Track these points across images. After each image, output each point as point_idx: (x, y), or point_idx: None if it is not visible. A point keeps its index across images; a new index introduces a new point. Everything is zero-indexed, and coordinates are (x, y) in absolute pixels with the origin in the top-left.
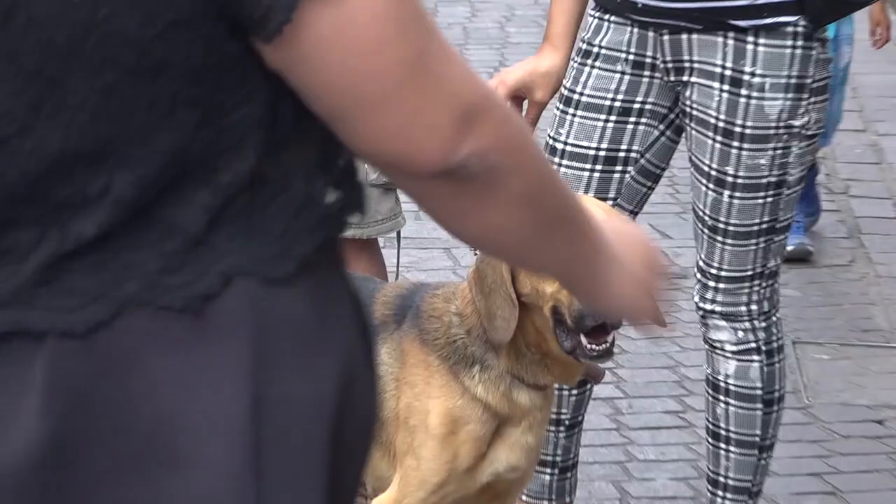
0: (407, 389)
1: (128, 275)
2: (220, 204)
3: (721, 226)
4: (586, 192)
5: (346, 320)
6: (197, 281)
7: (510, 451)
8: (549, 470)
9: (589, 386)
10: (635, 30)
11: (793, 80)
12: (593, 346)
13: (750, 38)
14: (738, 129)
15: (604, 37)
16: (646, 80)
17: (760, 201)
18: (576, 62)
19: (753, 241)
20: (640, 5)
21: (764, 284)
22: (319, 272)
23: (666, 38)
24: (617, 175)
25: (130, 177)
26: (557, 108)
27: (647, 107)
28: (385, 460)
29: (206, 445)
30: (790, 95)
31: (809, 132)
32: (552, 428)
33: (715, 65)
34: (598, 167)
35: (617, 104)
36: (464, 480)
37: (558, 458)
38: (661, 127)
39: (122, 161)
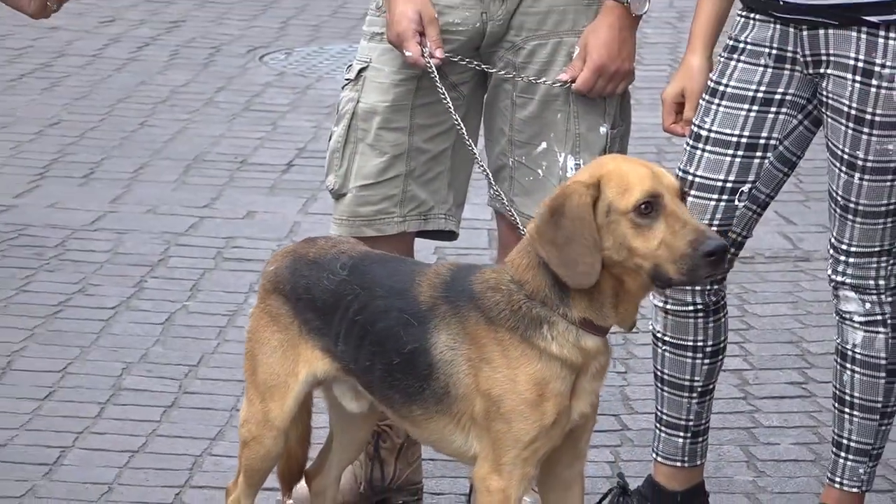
0: (484, 366)
1: None
2: None
3: (852, 205)
4: (727, 175)
5: None
6: None
7: (581, 400)
8: (682, 433)
9: (721, 357)
10: (777, 26)
11: None
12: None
13: (882, 33)
14: (868, 117)
15: (749, 33)
16: (787, 72)
17: (889, 184)
18: (722, 57)
19: (882, 220)
20: (782, 3)
21: (892, 261)
22: None
23: (805, 33)
24: (757, 160)
25: None
26: (704, 99)
27: (788, 97)
28: (451, 428)
29: None
30: None
31: None
32: (685, 394)
33: (849, 57)
34: (740, 153)
35: (760, 95)
36: (551, 434)
37: (691, 423)
38: (800, 117)
39: None
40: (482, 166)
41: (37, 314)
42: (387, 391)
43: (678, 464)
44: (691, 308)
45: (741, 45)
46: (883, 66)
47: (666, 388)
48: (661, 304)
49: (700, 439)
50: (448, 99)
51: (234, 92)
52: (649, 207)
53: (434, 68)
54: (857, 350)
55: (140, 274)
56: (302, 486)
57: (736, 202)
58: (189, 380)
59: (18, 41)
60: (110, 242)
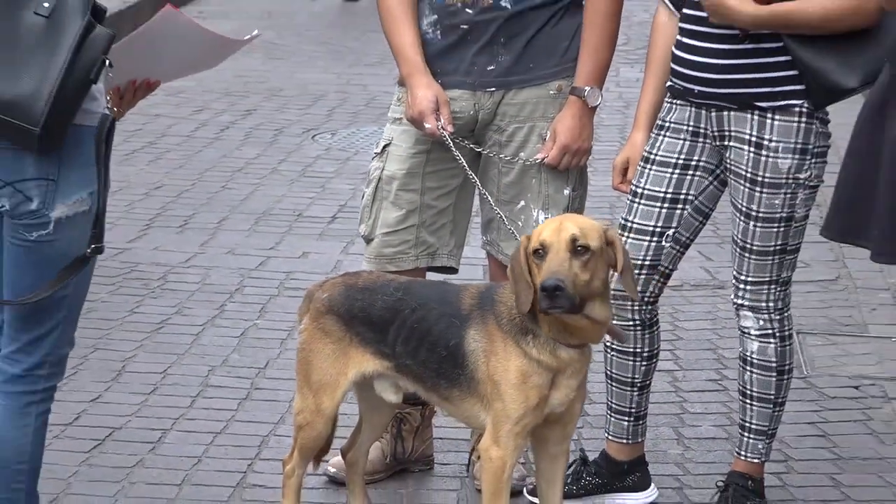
0: (492, 357)
1: None
2: None
3: (748, 246)
4: (656, 222)
5: None
6: None
7: (560, 392)
8: (626, 418)
9: (655, 360)
10: (693, 109)
11: (798, 146)
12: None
13: (769, 115)
14: (759, 178)
15: (672, 115)
16: (700, 144)
17: (775, 230)
18: (654, 133)
19: (770, 257)
20: (696, 92)
21: (779, 289)
22: None
23: (713, 115)
24: (678, 211)
25: None
26: (640, 165)
27: (701, 164)
28: (478, 406)
29: None
30: (797, 156)
31: (811, 183)
32: (629, 389)
33: (745, 133)
34: (666, 205)
35: (680, 161)
36: (534, 413)
37: (633, 410)
38: (711, 178)
39: None
40: (497, 210)
41: (144, 330)
42: (436, 379)
43: (624, 441)
44: (631, 323)
45: (667, 124)
46: (770, 140)
47: (614, 384)
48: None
49: (640, 422)
50: (461, 157)
51: (293, 163)
52: (540, 252)
53: (448, 137)
54: (754, 356)
55: (222, 300)
56: (338, 459)
57: (663, 243)
58: (258, 379)
59: (131, 125)
60: (199, 276)
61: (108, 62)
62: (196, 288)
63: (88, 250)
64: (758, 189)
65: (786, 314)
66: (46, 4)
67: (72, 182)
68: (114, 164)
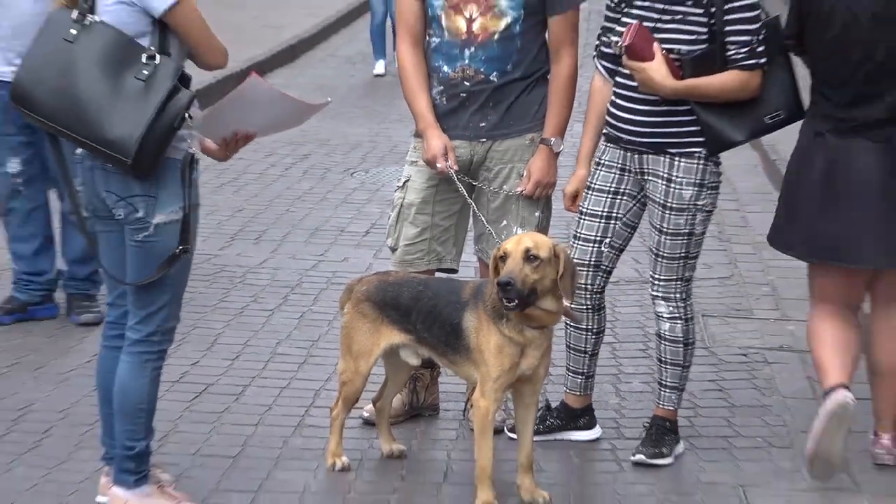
0: (479, 333)
1: None
2: None
3: (660, 254)
4: (596, 234)
5: None
6: None
7: (527, 360)
8: (580, 377)
9: (602, 335)
10: (621, 151)
11: (697, 181)
12: (503, 296)
13: (676, 159)
14: (669, 205)
15: (606, 155)
16: (626, 176)
17: (680, 242)
18: (592, 168)
19: (676, 262)
20: (624, 139)
21: (683, 285)
22: None
23: (636, 156)
24: (612, 225)
25: None
26: (585, 192)
27: (627, 191)
28: (472, 368)
29: None
30: (696, 189)
31: (707, 209)
32: (582, 355)
33: (659, 171)
34: (602, 221)
35: (611, 189)
36: (509, 375)
37: (585, 371)
38: (634, 202)
39: None
40: (487, 227)
41: (230, 313)
42: (444, 348)
43: (578, 393)
44: (584, 308)
45: (602, 162)
46: (677, 176)
47: (572, 352)
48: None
49: (590, 380)
50: (462, 187)
51: (337, 193)
52: (503, 258)
53: (453, 174)
54: (667, 333)
55: (286, 292)
56: (370, 406)
57: (602, 248)
58: (313, 349)
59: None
60: (269, 274)
61: (189, 115)
62: (267, 283)
63: (178, 250)
64: (667, 212)
65: (689, 302)
66: (145, 72)
67: (166, 198)
68: (207, 193)
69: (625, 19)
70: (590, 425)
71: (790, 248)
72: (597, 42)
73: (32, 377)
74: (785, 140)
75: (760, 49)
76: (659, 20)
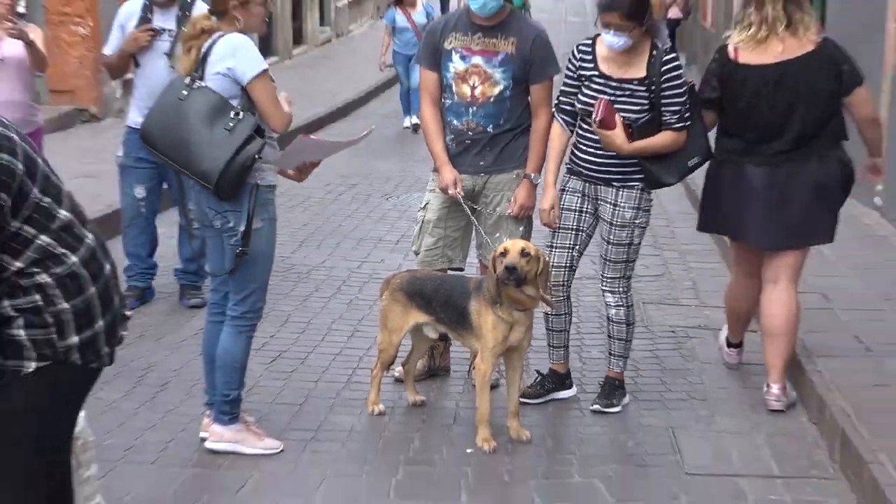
0: (479, 315)
1: None
2: None
3: (608, 258)
4: (570, 243)
5: None
6: None
7: (514, 335)
8: (562, 349)
9: (571, 317)
10: (581, 182)
11: (635, 206)
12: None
13: (622, 190)
14: (615, 223)
15: (569, 184)
16: (586, 200)
17: (622, 250)
18: (560, 193)
19: (620, 265)
20: (584, 173)
21: (625, 281)
22: None
23: (592, 186)
24: (579, 236)
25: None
26: (558, 212)
27: (587, 210)
28: (475, 340)
29: None
30: (634, 211)
31: (642, 226)
32: (561, 334)
33: (608, 198)
34: (573, 233)
35: (576, 209)
36: (501, 345)
37: (562, 345)
38: (591, 218)
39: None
40: (485, 237)
41: (297, 299)
42: (455, 326)
43: (561, 362)
44: (562, 297)
45: (567, 189)
46: (621, 202)
47: (554, 333)
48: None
49: (567, 350)
50: (467, 209)
51: (376, 212)
52: (503, 254)
53: (461, 199)
54: (613, 316)
55: (338, 284)
56: (400, 368)
57: (574, 254)
58: (359, 325)
59: (293, 193)
60: (327, 272)
61: (258, 157)
62: (325, 278)
63: (238, 251)
64: (614, 228)
65: (629, 293)
66: (231, 124)
67: (257, 205)
68: (282, 212)
69: (586, 90)
70: (570, 386)
71: (714, 230)
72: (557, 101)
73: (153, 345)
74: (699, 176)
75: (687, 115)
76: (613, 95)
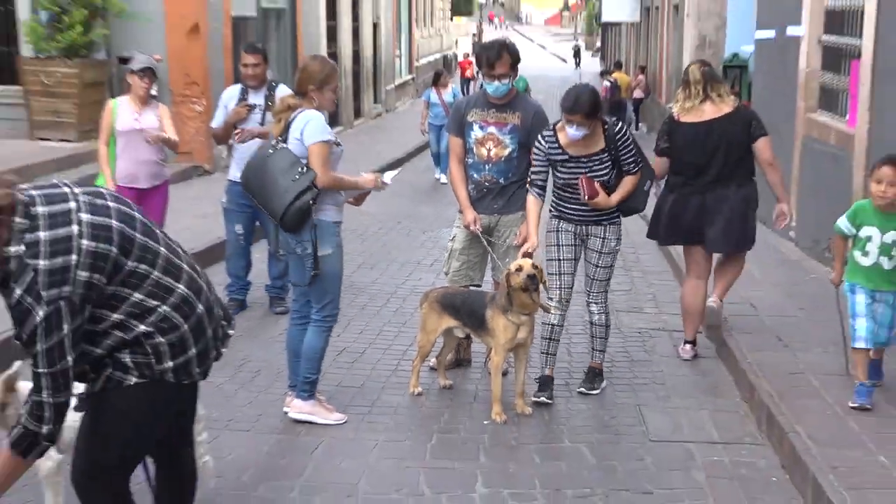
0: (495, 320)
1: None
2: None
3: (595, 278)
4: (572, 270)
5: None
6: None
7: (521, 333)
8: (549, 357)
9: (563, 324)
10: (573, 223)
11: (617, 237)
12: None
13: (609, 226)
14: (603, 251)
15: (561, 225)
16: (577, 237)
17: (608, 271)
18: (554, 233)
19: (604, 282)
20: (575, 217)
21: (605, 295)
22: None
23: (582, 226)
24: (576, 263)
25: None
26: (555, 247)
27: (578, 243)
28: (490, 339)
29: None
30: (616, 241)
31: (618, 251)
32: (557, 341)
33: (598, 233)
34: (573, 262)
35: (571, 244)
36: (510, 342)
37: (554, 351)
38: (580, 249)
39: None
40: (498, 262)
41: (356, 307)
42: (476, 328)
43: (548, 369)
44: (563, 309)
45: (560, 230)
46: (608, 236)
47: (552, 342)
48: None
49: (554, 354)
50: (484, 241)
51: (415, 243)
52: (518, 270)
53: (480, 234)
54: (596, 321)
55: (387, 297)
56: (434, 359)
57: (573, 277)
58: (403, 328)
59: (353, 226)
60: (378, 288)
61: (312, 201)
62: (377, 292)
63: (311, 272)
64: (602, 255)
65: (607, 303)
66: (297, 176)
67: (321, 242)
68: (346, 242)
69: (562, 169)
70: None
71: (663, 242)
72: (530, 178)
73: (250, 342)
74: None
75: (638, 159)
76: (586, 167)
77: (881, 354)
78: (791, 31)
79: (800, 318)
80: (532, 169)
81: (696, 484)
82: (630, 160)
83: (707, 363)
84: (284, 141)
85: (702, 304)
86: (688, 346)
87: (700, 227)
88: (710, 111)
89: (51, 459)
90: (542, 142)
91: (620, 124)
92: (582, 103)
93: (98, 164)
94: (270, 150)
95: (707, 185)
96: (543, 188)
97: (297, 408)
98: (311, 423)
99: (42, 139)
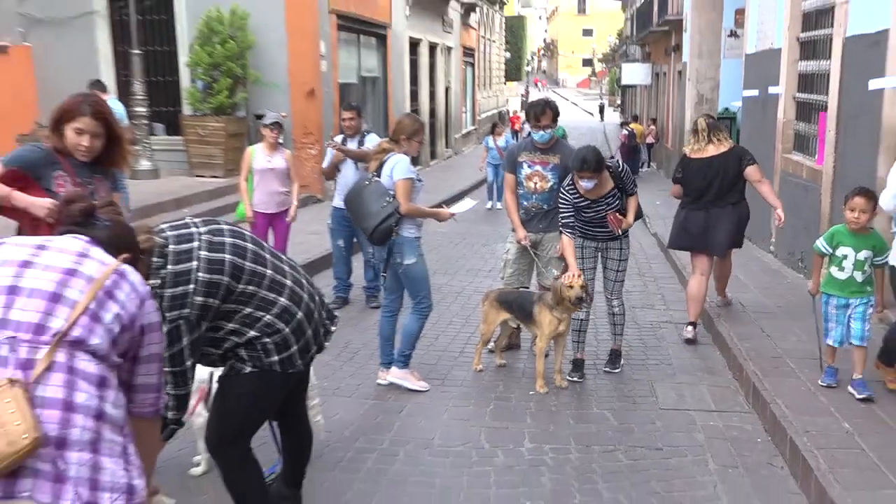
0: (541, 315)
1: None
2: None
3: (615, 280)
4: (593, 276)
5: None
6: None
7: (561, 326)
8: (579, 343)
9: (589, 318)
10: (595, 241)
11: (629, 245)
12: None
13: (624, 239)
14: (621, 259)
15: (585, 243)
16: (598, 250)
17: (624, 274)
18: (580, 248)
19: (620, 283)
20: (598, 238)
21: (622, 293)
22: None
23: (602, 242)
24: (596, 271)
25: None
26: (581, 260)
27: (598, 254)
28: (536, 329)
29: None
30: (629, 248)
31: (628, 257)
32: (580, 332)
33: (616, 246)
34: (594, 271)
35: (595, 256)
36: (553, 332)
37: (583, 339)
38: (599, 259)
39: None
40: (542, 269)
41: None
42: (526, 320)
43: (579, 353)
44: (588, 308)
45: (585, 246)
46: (624, 247)
47: (582, 332)
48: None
49: (584, 344)
50: (532, 252)
51: (477, 254)
52: (570, 287)
53: (528, 247)
54: (616, 312)
55: (456, 295)
56: (492, 343)
57: (594, 280)
58: (468, 319)
59: (432, 243)
60: (448, 288)
61: (397, 224)
62: (447, 292)
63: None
64: (621, 262)
65: (622, 298)
66: (384, 204)
67: (407, 253)
68: (425, 253)
69: (588, 210)
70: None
71: (676, 248)
72: (562, 222)
73: (351, 329)
74: (663, 230)
75: (636, 183)
76: (606, 205)
77: (863, 365)
78: (772, 90)
79: (778, 313)
80: (562, 214)
81: (697, 443)
82: (631, 186)
83: (705, 349)
84: (378, 176)
85: (703, 294)
86: (690, 328)
87: (703, 235)
88: (711, 150)
89: (201, 416)
90: (567, 194)
91: (618, 163)
92: (589, 162)
93: (239, 194)
94: (367, 182)
95: (707, 203)
96: (574, 227)
97: (395, 374)
98: (402, 387)
99: (198, 175)
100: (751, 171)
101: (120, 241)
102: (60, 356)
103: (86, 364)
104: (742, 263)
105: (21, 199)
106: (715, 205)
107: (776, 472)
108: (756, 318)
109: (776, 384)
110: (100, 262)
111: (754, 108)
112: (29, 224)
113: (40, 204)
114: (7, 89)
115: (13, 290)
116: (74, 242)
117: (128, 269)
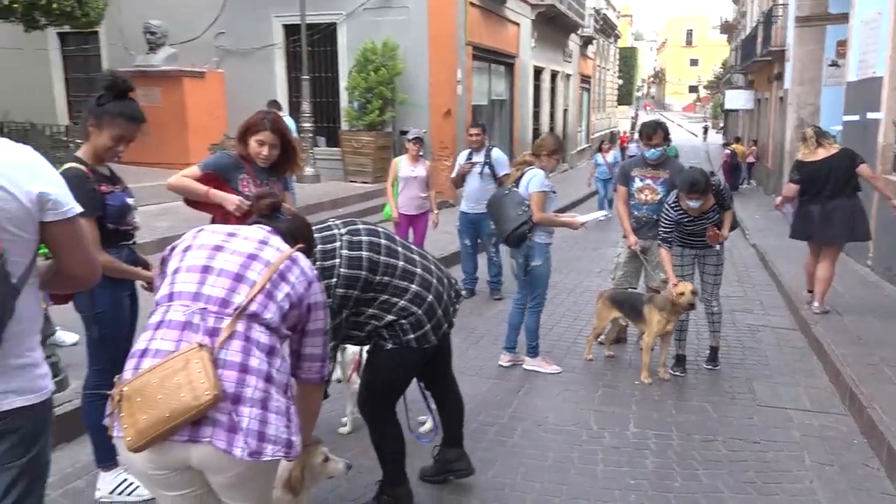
0: (651, 314)
1: None
2: None
3: (714, 283)
4: (692, 279)
5: None
6: None
7: (669, 325)
8: (682, 340)
9: (688, 319)
10: (693, 249)
11: (722, 253)
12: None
13: (719, 247)
14: (718, 264)
15: (684, 251)
16: (697, 257)
17: (721, 278)
18: (678, 257)
19: (718, 287)
20: (697, 247)
21: (719, 294)
22: None
23: (699, 250)
24: (692, 276)
25: None
26: (678, 266)
27: (695, 262)
28: (645, 325)
29: None
30: (723, 257)
31: (724, 261)
32: (682, 331)
33: (712, 253)
34: (689, 276)
35: (692, 262)
36: (660, 331)
37: (685, 338)
38: (696, 262)
39: None
40: (650, 272)
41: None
42: (635, 318)
43: (681, 350)
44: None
45: (684, 254)
46: (719, 254)
47: (684, 331)
48: None
49: (685, 343)
50: (641, 257)
51: (590, 257)
52: (681, 294)
53: (638, 252)
54: (715, 313)
55: (569, 291)
56: (602, 337)
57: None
58: (579, 314)
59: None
60: (562, 286)
61: (530, 230)
62: (562, 289)
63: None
64: (718, 267)
65: (719, 299)
66: (520, 212)
67: (536, 255)
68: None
69: (689, 224)
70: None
71: (799, 238)
72: (661, 237)
73: (476, 317)
74: (762, 242)
75: (732, 198)
76: (707, 220)
77: None
78: (871, 115)
79: (875, 323)
80: (663, 229)
81: (793, 439)
82: (728, 203)
83: (802, 353)
84: (517, 186)
85: (830, 276)
86: (809, 293)
87: (823, 224)
88: (822, 153)
89: (355, 384)
90: (672, 211)
91: (718, 181)
92: (698, 185)
93: (385, 198)
94: (506, 192)
95: (824, 199)
96: (672, 241)
97: (529, 363)
98: (525, 370)
99: (351, 181)
100: (863, 169)
101: (297, 233)
102: (240, 326)
103: (259, 334)
104: (839, 274)
105: (216, 195)
106: (831, 199)
107: (872, 473)
108: (853, 327)
109: (873, 389)
110: (276, 249)
111: (854, 132)
112: (221, 217)
113: (231, 199)
114: (204, 107)
115: (206, 270)
116: (258, 231)
117: (299, 255)
